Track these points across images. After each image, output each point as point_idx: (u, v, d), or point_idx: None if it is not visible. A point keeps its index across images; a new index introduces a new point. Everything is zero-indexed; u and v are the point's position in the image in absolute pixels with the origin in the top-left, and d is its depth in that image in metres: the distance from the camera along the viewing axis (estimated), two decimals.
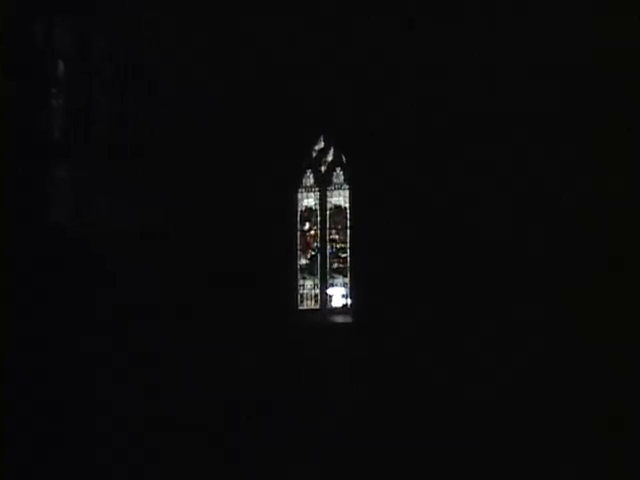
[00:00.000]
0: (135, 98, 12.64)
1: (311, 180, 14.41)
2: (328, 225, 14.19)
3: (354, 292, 13.96)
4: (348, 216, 14.14)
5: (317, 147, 14.39)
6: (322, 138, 14.38)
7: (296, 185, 14.40)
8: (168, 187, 13.04)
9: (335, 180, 14.33)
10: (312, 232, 14.23)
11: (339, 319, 13.91)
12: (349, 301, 14.04)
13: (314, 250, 14.23)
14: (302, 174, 14.44)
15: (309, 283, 14.16)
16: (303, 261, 14.21)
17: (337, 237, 14.23)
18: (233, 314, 13.29)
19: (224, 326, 13.09)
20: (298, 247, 14.16)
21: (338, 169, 14.37)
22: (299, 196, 14.29)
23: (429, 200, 13.03)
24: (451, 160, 12.77)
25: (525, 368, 11.42)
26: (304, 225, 14.27)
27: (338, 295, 14.17)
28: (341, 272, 14.10)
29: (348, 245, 14.10)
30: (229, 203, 13.64)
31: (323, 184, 14.43)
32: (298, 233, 14.17)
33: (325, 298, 14.19)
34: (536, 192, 11.52)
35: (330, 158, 14.41)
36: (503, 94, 11.77)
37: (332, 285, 14.16)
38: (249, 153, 13.72)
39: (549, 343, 11.00)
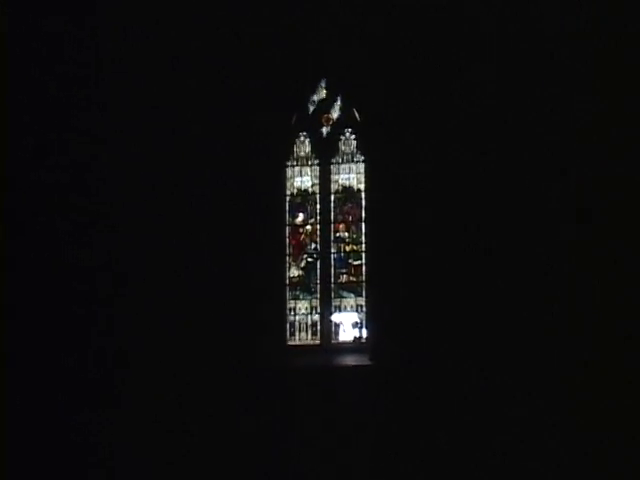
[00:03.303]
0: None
1: (307, 148, 12.79)
2: (333, 217, 12.60)
3: (372, 319, 12.38)
4: (363, 203, 12.55)
5: (316, 97, 12.79)
6: (324, 83, 12.77)
7: (284, 156, 12.80)
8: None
9: (343, 148, 12.71)
10: (308, 227, 12.66)
11: (350, 360, 12.27)
12: (364, 333, 12.42)
13: (311, 255, 12.66)
14: (293, 139, 12.87)
15: (304, 305, 12.58)
16: (295, 272, 12.64)
17: (346, 235, 12.57)
18: (191, 355, 12.00)
19: (180, 374, 11.96)
20: (287, 251, 12.62)
21: (348, 132, 12.70)
22: (289, 173, 12.77)
23: (480, 176, 11.67)
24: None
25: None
26: (296, 216, 12.70)
27: (348, 324, 12.47)
28: (353, 289, 12.50)
29: (363, 247, 12.49)
30: (182, 181, 12.29)
31: (325, 154, 12.78)
32: (287, 229, 12.67)
33: (329, 328, 12.55)
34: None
35: (336, 115, 12.77)
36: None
37: (339, 309, 12.52)
38: (215, 107, 12.35)
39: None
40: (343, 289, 12.54)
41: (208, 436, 12.05)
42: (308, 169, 12.76)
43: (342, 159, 12.71)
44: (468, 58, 11.93)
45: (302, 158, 12.81)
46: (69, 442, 11.90)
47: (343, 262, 12.58)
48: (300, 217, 12.72)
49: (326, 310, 12.54)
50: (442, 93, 12.05)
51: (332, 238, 12.61)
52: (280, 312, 12.53)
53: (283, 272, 12.59)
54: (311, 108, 12.77)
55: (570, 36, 11.44)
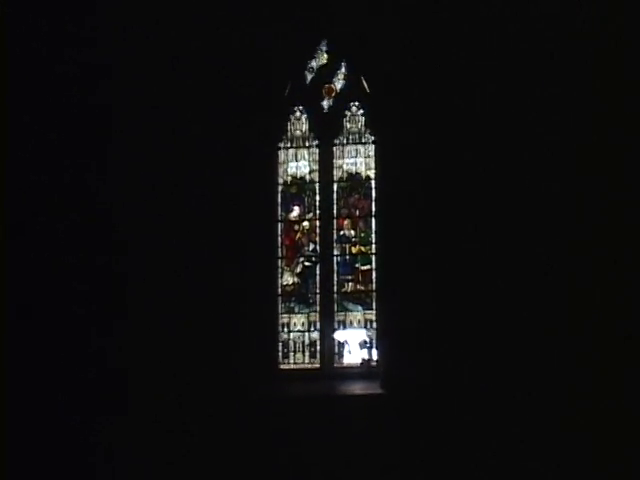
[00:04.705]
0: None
1: (304, 126, 12.08)
2: (336, 211, 11.94)
3: (384, 338, 11.68)
4: (373, 195, 11.88)
5: (315, 63, 12.09)
6: (324, 46, 12.09)
7: (276, 136, 12.10)
8: None
9: (349, 127, 12.03)
10: (306, 224, 11.96)
11: (356, 388, 11.51)
12: (375, 354, 11.71)
13: (310, 258, 11.96)
14: (287, 115, 12.16)
15: (300, 320, 11.86)
16: (289, 279, 11.93)
17: (353, 233, 11.92)
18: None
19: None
20: (280, 253, 11.94)
21: (354, 106, 11.99)
22: (282, 156, 12.07)
23: (511, 158, 11.50)
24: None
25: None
26: (291, 211, 11.98)
27: (354, 343, 11.79)
28: (360, 300, 11.77)
29: (373, 248, 11.81)
30: (156, 168, 11.91)
31: (327, 134, 12.05)
32: (280, 226, 12.00)
33: (331, 349, 11.82)
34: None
35: (340, 85, 12.07)
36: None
37: (343, 325, 11.82)
38: (194, 77, 11.83)
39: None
40: (348, 300, 11.77)
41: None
42: (305, 152, 11.97)
43: (347, 139, 11.90)
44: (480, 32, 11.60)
45: (298, 138, 12.01)
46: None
47: (348, 267, 11.82)
48: (295, 211, 11.95)
49: (327, 326, 11.75)
50: (469, 58, 11.38)
51: (335, 237, 11.83)
52: (271, 329, 11.73)
53: (274, 279, 11.82)
54: (309, 76, 11.93)
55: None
